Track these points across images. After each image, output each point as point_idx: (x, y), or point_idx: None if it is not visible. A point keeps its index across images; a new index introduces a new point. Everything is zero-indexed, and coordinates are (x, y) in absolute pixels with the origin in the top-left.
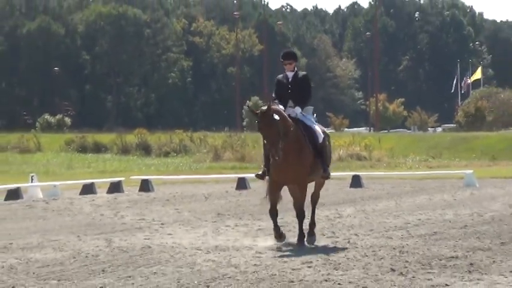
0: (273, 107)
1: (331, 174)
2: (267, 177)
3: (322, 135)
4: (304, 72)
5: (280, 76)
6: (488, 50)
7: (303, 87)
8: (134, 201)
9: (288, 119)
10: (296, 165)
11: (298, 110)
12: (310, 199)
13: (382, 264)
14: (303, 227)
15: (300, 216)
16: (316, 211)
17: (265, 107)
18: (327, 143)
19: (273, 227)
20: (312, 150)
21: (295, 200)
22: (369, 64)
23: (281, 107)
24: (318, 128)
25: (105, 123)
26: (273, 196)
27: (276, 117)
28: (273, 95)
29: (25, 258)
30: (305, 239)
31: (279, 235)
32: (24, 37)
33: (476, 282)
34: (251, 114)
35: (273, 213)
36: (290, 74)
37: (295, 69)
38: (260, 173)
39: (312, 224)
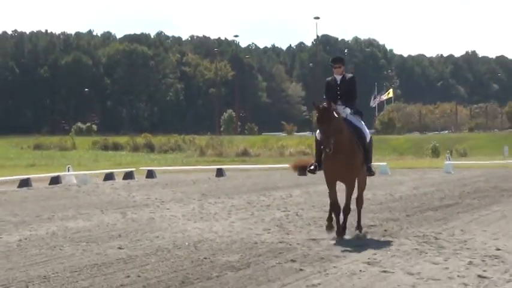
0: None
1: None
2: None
3: (369, 135)
4: (351, 74)
5: (329, 78)
6: (397, 76)
7: (350, 89)
8: (142, 185)
9: (342, 119)
10: (348, 164)
11: (348, 110)
12: (355, 204)
13: (321, 230)
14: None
15: (346, 210)
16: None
17: (325, 104)
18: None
19: (335, 221)
20: (361, 150)
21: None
22: (311, 86)
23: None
24: (365, 128)
25: (121, 129)
26: (332, 192)
27: (335, 114)
28: (324, 96)
29: (63, 226)
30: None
31: (341, 232)
32: (62, 66)
33: (388, 244)
34: (314, 108)
35: (336, 209)
36: (338, 77)
37: (343, 72)
38: (312, 167)
39: (359, 227)
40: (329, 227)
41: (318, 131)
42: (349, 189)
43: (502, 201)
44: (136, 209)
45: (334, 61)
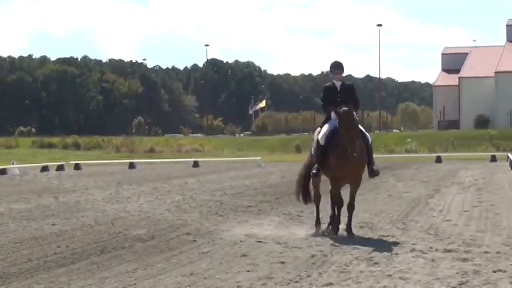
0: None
1: None
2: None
3: (370, 138)
4: (350, 83)
5: (327, 84)
6: (269, 90)
7: (352, 96)
8: (71, 175)
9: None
10: (360, 166)
11: (354, 114)
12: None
13: (209, 210)
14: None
15: (351, 208)
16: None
17: (346, 108)
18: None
19: (332, 215)
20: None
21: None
22: (203, 98)
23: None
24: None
25: (54, 131)
26: (338, 189)
27: (356, 118)
28: (322, 102)
29: (8, 208)
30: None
31: (337, 227)
32: (8, 83)
33: (262, 220)
34: (335, 113)
35: (340, 204)
36: (338, 84)
37: (342, 79)
38: (315, 171)
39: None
40: (336, 229)
41: (320, 135)
42: (356, 187)
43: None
44: (66, 194)
45: (334, 66)
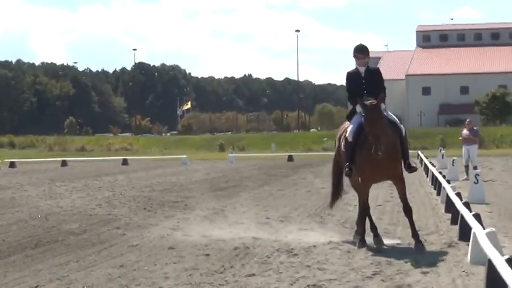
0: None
1: None
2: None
3: (404, 128)
4: (376, 67)
5: (351, 71)
6: (194, 92)
7: (377, 82)
8: (6, 173)
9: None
10: (394, 161)
11: (383, 105)
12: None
13: (138, 205)
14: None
15: (408, 211)
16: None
17: (373, 101)
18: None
19: (360, 230)
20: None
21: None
22: (131, 100)
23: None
24: (398, 121)
25: None
26: (366, 194)
27: (383, 112)
28: (347, 92)
29: None
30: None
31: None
32: None
33: (188, 213)
34: (360, 105)
35: (367, 211)
36: (362, 69)
37: (367, 64)
38: (347, 170)
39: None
40: (362, 243)
41: (348, 131)
42: (401, 187)
43: (270, 183)
44: (2, 191)
45: (358, 51)
